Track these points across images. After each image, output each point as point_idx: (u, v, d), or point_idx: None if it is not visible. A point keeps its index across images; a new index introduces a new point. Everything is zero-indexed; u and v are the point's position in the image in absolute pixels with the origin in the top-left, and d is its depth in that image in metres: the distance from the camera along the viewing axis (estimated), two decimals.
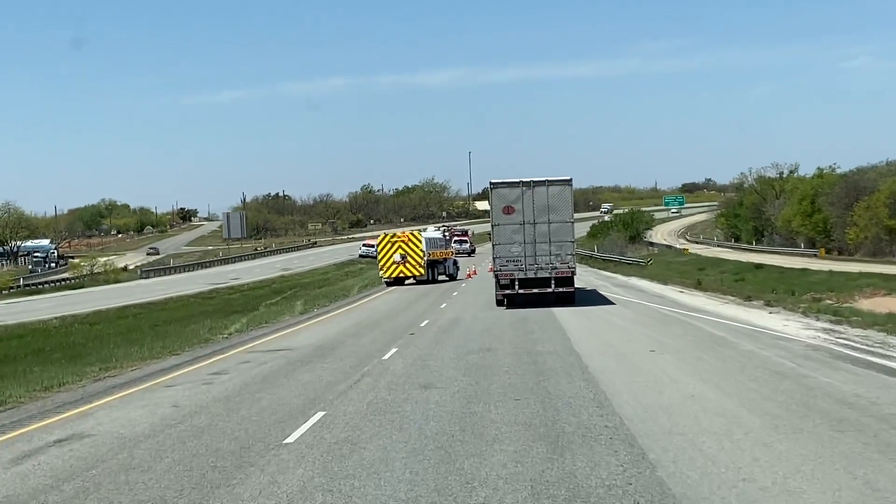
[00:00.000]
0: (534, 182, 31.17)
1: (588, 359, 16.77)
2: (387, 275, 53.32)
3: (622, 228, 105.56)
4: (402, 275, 53.02)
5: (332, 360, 18.78)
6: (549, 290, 31.20)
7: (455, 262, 59.58)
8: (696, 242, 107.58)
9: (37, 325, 37.71)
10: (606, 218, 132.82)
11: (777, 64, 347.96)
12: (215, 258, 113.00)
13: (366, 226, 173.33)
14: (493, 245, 32.15)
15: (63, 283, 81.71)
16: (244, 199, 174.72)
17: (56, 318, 40.39)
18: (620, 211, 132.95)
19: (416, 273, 52.90)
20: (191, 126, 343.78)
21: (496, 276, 31.99)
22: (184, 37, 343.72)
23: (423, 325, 26.48)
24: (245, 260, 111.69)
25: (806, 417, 10.70)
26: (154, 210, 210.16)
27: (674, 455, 9.07)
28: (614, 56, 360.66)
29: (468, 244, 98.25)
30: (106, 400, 14.85)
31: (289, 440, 10.61)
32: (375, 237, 66.73)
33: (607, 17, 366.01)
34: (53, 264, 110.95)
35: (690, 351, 17.66)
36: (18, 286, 77.64)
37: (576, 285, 33.07)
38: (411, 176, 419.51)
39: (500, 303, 31.86)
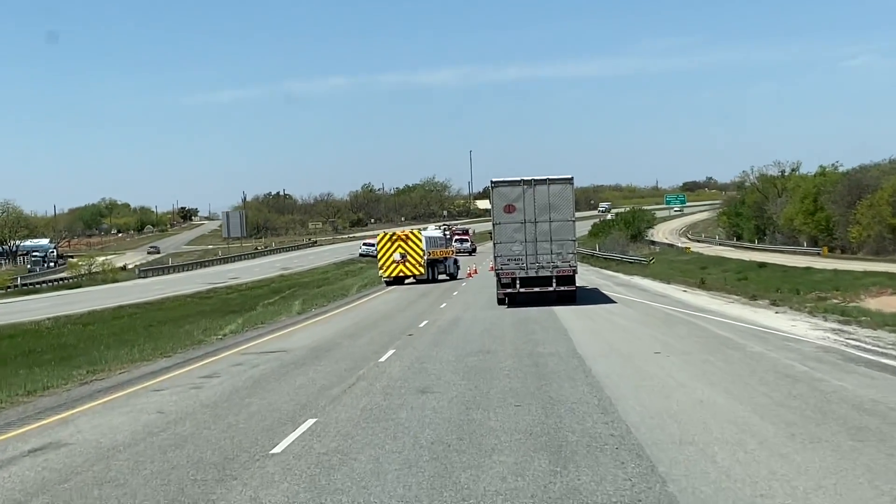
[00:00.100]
0: (535, 181, 31.09)
1: (591, 361, 16.19)
2: (386, 274, 52.73)
3: (623, 227, 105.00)
4: (401, 274, 52.43)
5: (327, 362, 18.20)
6: (551, 288, 31.13)
7: (455, 261, 59.03)
8: (698, 241, 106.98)
9: (29, 325, 37.14)
10: (609, 217, 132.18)
11: (778, 62, 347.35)
12: (214, 257, 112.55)
13: (366, 225, 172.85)
14: (494, 244, 32.05)
15: (60, 282, 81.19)
16: (245, 199, 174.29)
17: (49, 318, 39.81)
18: (621, 210, 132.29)
19: (416, 272, 52.32)
20: (192, 125, 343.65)
21: (497, 275, 31.88)
22: (185, 36, 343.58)
23: (421, 325, 25.92)
24: (245, 259, 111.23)
25: (823, 425, 10.11)
26: (154, 209, 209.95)
27: (685, 467, 8.47)
28: (615, 55, 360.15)
29: (469, 243, 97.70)
30: (89, 405, 14.25)
31: (276, 450, 10.02)
32: (376, 236, 66.16)
33: (608, 16, 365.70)
34: (52, 264, 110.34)
35: (697, 353, 17.07)
36: (16, 286, 77.14)
37: (577, 284, 32.90)
38: (412, 175, 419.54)
39: (501, 301, 31.69)
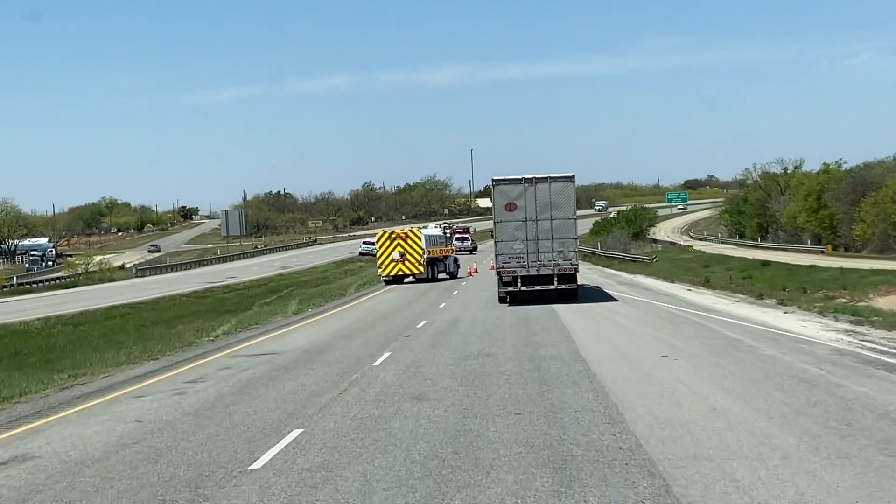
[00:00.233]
0: (536, 179, 30.97)
1: (596, 365, 15.40)
2: (385, 273, 51.95)
3: (625, 225, 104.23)
4: (400, 273, 51.65)
5: (319, 366, 17.43)
6: (552, 286, 30.95)
7: (456, 260, 58.26)
8: (700, 239, 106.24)
9: (18, 326, 36.35)
10: (612, 215, 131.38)
11: (780, 60, 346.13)
12: (214, 256, 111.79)
13: (367, 223, 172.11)
14: (495, 242, 31.83)
15: (56, 282, 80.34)
16: (245, 197, 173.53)
17: (40, 318, 39.01)
18: (622, 208, 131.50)
19: (416, 271, 51.55)
20: (192, 124, 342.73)
21: (499, 273, 31.64)
22: (185, 34, 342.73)
23: (419, 326, 25.15)
24: (244, 258, 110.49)
25: (849, 437, 9.32)
26: (155, 208, 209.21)
27: (702, 488, 7.69)
28: (617, 53, 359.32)
29: (469, 241, 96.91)
30: (64, 413, 13.45)
31: (255, 465, 9.23)
32: (376, 235, 65.39)
33: (610, 14, 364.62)
34: (50, 263, 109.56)
35: (706, 356, 16.28)
36: (12, 285, 76.32)
37: (579, 283, 32.50)
38: (413, 173, 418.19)
39: (502, 300, 31.44)
